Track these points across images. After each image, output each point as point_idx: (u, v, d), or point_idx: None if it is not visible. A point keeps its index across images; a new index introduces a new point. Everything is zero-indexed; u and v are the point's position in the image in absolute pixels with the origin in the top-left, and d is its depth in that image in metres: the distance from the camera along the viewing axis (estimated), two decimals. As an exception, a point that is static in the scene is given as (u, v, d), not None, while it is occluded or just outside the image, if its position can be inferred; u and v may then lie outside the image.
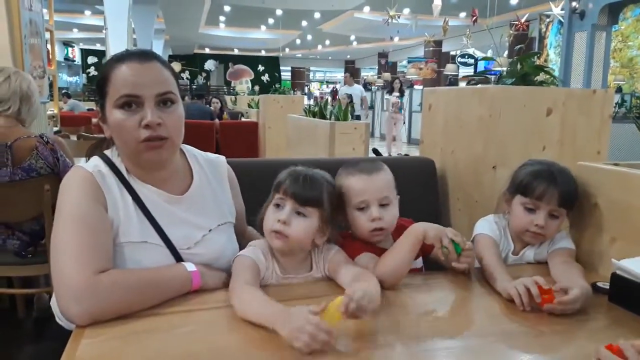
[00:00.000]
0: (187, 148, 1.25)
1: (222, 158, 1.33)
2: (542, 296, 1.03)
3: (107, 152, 1.15)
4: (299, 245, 1.16)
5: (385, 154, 8.12)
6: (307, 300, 1.07)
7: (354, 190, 1.22)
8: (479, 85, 1.92)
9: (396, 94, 10.04)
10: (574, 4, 6.55)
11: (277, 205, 1.14)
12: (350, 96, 9.09)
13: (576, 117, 1.81)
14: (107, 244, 1.03)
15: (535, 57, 2.58)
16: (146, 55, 1.09)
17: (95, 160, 1.14)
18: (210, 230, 1.19)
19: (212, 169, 1.27)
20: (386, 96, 10.57)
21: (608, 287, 1.11)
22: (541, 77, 1.95)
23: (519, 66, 1.94)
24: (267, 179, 1.19)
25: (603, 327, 1.02)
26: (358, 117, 8.65)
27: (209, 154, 1.32)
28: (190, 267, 1.10)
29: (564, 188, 1.27)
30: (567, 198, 1.28)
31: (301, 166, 1.19)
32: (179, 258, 1.13)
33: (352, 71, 25.90)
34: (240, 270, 1.10)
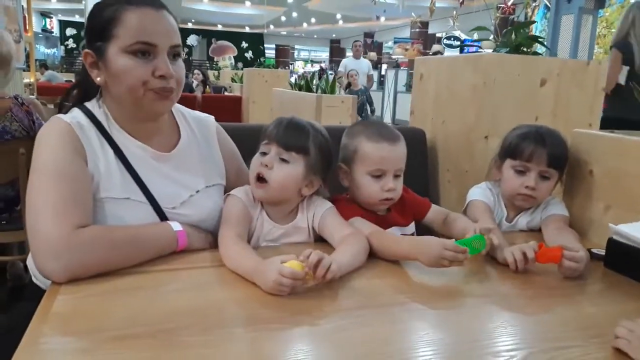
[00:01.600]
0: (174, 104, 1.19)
1: (211, 117, 1.27)
2: (539, 255, 1.02)
3: (88, 105, 1.08)
4: (280, 194, 1.12)
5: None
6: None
7: (373, 157, 1.18)
8: (473, 53, 1.87)
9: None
10: (561, -15, 6.56)
11: (263, 153, 1.11)
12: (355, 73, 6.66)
13: (570, 89, 1.78)
14: (86, 199, 0.97)
15: (529, 27, 2.55)
16: (159, 3, 1.04)
17: (74, 112, 1.07)
18: (197, 192, 1.14)
19: (200, 127, 1.21)
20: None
21: (603, 253, 1.10)
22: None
23: (513, 36, 1.90)
24: (253, 143, 1.15)
25: (600, 291, 1.01)
26: (363, 107, 6.35)
27: (197, 112, 1.26)
28: (176, 226, 1.05)
29: (553, 148, 1.26)
30: (557, 158, 1.27)
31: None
32: (163, 217, 1.07)
33: (336, 51, 25.68)
34: (231, 216, 1.09)
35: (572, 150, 1.33)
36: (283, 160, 1.09)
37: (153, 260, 0.99)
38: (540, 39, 1.95)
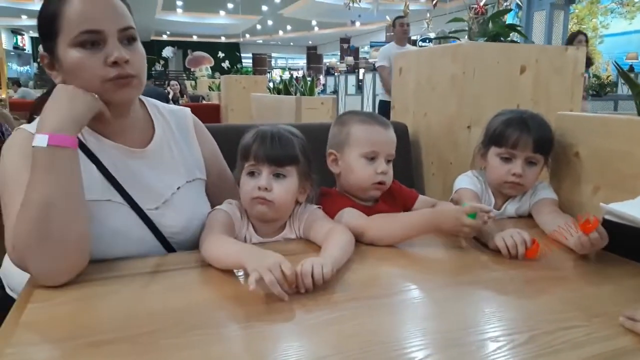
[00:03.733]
0: (146, 98, 1.13)
1: (187, 109, 1.21)
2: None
3: None
4: (285, 209, 1.08)
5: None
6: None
7: (366, 139, 1.18)
8: (452, 43, 1.86)
9: None
10: (532, -18, 6.65)
11: (252, 174, 1.05)
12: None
13: (549, 75, 1.78)
14: None
15: (504, 15, 2.56)
16: None
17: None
18: (178, 188, 1.08)
19: (176, 120, 1.15)
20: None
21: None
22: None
23: (490, 25, 1.90)
24: (232, 144, 1.10)
25: (596, 271, 0.98)
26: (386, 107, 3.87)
27: (172, 105, 1.20)
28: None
29: (538, 133, 1.24)
30: (542, 143, 1.25)
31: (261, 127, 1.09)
32: (146, 219, 1.02)
33: (313, 57, 25.73)
34: (215, 223, 1.03)
35: (556, 133, 1.32)
36: (279, 176, 1.05)
37: (130, 262, 0.94)
38: (517, 27, 1.94)
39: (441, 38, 2.04)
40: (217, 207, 1.09)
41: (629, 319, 0.71)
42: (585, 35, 4.90)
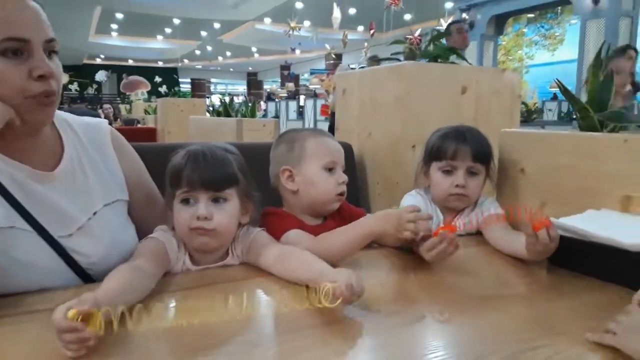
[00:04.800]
0: (56, 112, 0.98)
1: (105, 122, 1.09)
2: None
3: None
4: (228, 235, 0.98)
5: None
6: (223, 284, 0.90)
7: (325, 150, 1.17)
8: (395, 63, 1.86)
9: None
10: (464, 15, 6.99)
11: (186, 201, 0.94)
12: None
13: (489, 96, 1.81)
14: None
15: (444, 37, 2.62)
16: None
17: None
18: (95, 213, 0.96)
19: (90, 135, 1.02)
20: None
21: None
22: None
23: (431, 47, 1.92)
24: (164, 164, 0.98)
25: (552, 286, 0.96)
26: None
27: (86, 117, 1.07)
28: None
29: (475, 143, 1.26)
30: (481, 152, 1.26)
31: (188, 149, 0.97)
32: (58, 247, 0.89)
33: (254, 83, 25.74)
34: (144, 251, 0.90)
35: (500, 150, 1.32)
36: (218, 200, 0.94)
37: (40, 296, 0.81)
38: (457, 50, 1.97)
39: (382, 60, 2.03)
40: (150, 235, 0.97)
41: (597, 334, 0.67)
42: (637, 51, 3.65)
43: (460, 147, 1.25)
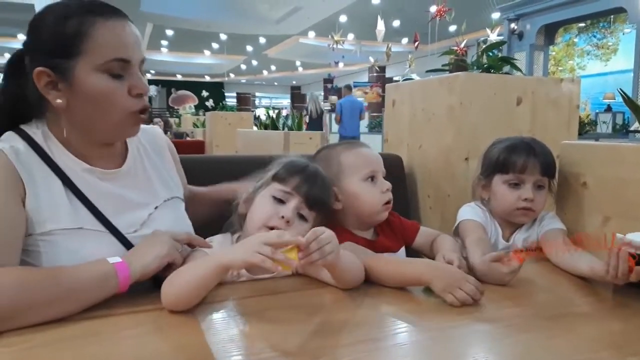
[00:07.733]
0: None
1: (157, 127, 1.17)
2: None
3: (25, 127, 0.93)
4: None
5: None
6: (275, 295, 0.91)
7: (362, 161, 1.15)
8: (446, 74, 1.84)
9: None
10: (512, 25, 6.86)
11: (279, 200, 0.99)
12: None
13: (546, 107, 1.76)
14: (8, 237, 0.82)
15: (499, 47, 2.57)
16: (123, 13, 0.93)
17: (9, 136, 0.91)
18: (156, 208, 1.01)
19: (148, 138, 1.09)
20: None
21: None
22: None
23: (484, 57, 1.89)
24: (213, 176, 1.08)
25: (618, 305, 0.91)
26: None
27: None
28: (113, 258, 0.85)
29: (544, 156, 1.22)
30: (548, 165, 1.22)
31: (300, 159, 1.06)
32: (127, 243, 0.93)
33: (297, 97, 26.02)
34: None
35: (562, 163, 1.28)
36: (301, 216, 1.00)
37: (110, 302, 0.83)
38: (511, 60, 1.94)
39: (433, 71, 2.02)
40: (208, 239, 1.01)
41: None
42: None
43: (530, 159, 1.20)
